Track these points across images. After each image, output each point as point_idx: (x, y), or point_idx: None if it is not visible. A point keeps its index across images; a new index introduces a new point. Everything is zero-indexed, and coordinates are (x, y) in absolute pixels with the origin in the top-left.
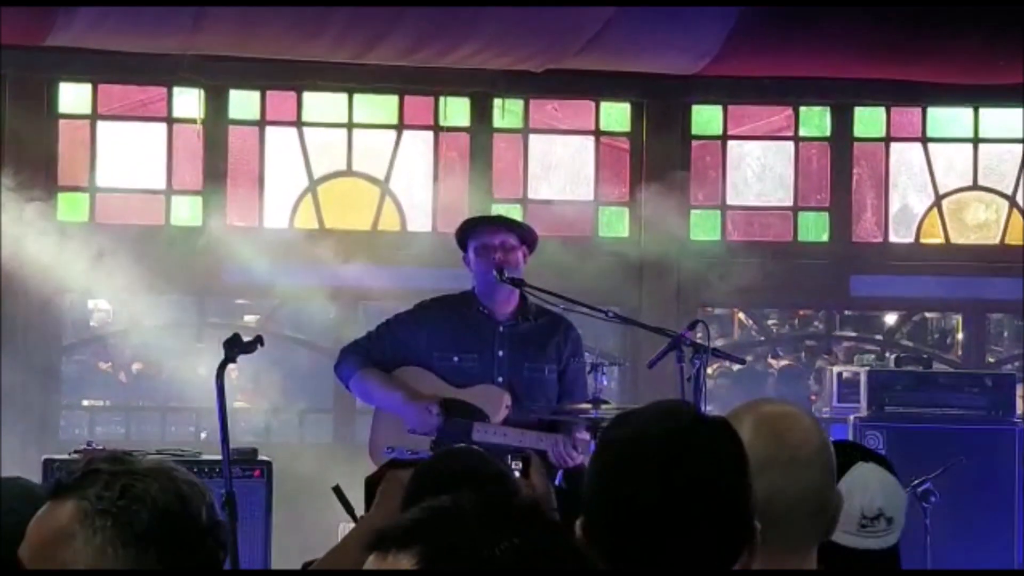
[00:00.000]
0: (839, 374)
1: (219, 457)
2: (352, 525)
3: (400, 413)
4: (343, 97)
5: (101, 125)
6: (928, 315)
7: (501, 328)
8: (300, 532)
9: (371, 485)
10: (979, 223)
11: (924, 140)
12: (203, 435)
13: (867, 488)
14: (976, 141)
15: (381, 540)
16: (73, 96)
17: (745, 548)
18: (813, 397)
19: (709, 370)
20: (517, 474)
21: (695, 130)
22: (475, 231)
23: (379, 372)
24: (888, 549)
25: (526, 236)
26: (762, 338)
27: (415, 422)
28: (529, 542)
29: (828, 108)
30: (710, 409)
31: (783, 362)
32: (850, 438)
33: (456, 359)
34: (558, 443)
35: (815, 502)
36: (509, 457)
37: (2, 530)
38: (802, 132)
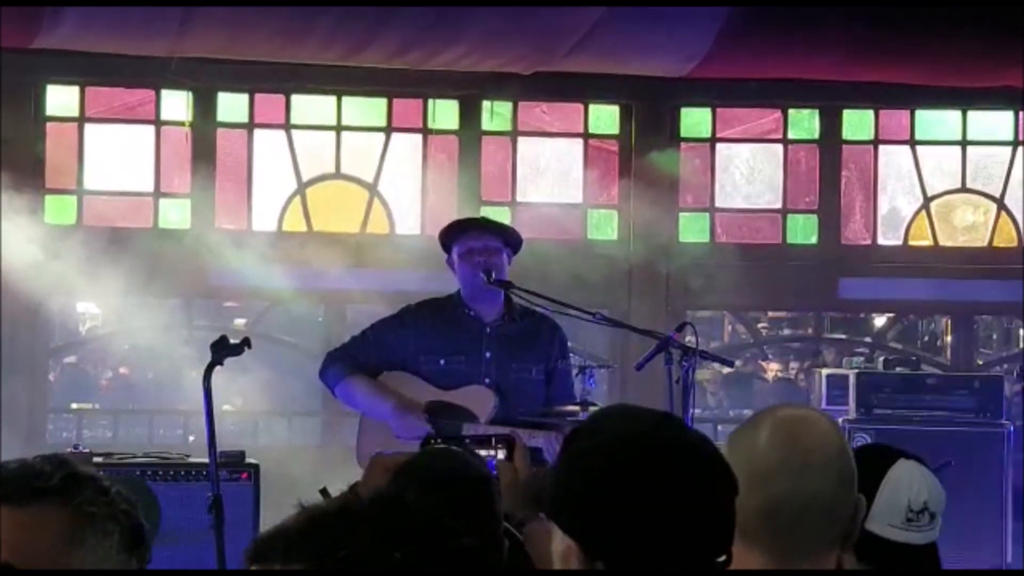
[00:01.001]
0: (828, 376)
1: (207, 460)
2: None
3: (387, 421)
4: (332, 100)
5: (89, 128)
6: (917, 317)
7: (488, 329)
8: None
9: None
10: (967, 225)
11: (912, 143)
12: (191, 438)
13: (912, 483)
14: (964, 144)
15: (260, 554)
16: (61, 99)
17: (727, 549)
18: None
19: (706, 373)
20: (502, 455)
21: (684, 132)
22: (459, 235)
23: (365, 378)
24: (928, 545)
25: (510, 238)
26: (751, 340)
27: (402, 430)
28: (427, 549)
29: (817, 110)
30: (699, 412)
31: (773, 365)
32: None
33: (442, 362)
34: (551, 440)
35: (826, 508)
36: (494, 440)
37: None
38: (791, 135)
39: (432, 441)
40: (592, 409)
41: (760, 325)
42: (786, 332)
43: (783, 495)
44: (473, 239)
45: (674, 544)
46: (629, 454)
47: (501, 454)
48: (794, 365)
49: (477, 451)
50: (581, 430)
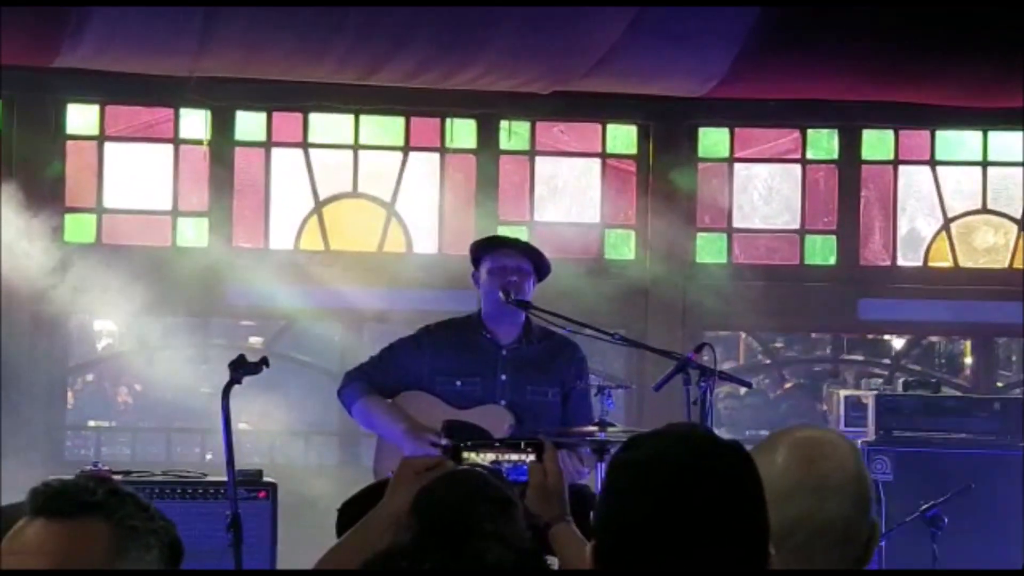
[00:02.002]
0: (847, 398)
1: (224, 478)
2: None
3: (400, 445)
4: (349, 118)
5: (108, 146)
6: (936, 339)
7: (504, 352)
8: (305, 554)
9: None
10: (988, 247)
11: (933, 163)
12: (208, 456)
13: None
14: (985, 164)
15: None
16: (81, 117)
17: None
18: None
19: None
20: (532, 458)
21: (702, 152)
22: (494, 250)
23: (382, 400)
24: None
25: (540, 265)
26: (768, 362)
27: (416, 454)
28: None
29: (836, 130)
30: (719, 432)
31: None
32: None
33: (458, 383)
34: (565, 457)
35: (840, 532)
36: (523, 444)
37: None
38: (809, 155)
39: (462, 447)
40: (610, 430)
41: (777, 345)
42: (804, 353)
43: (799, 517)
44: (507, 257)
45: (701, 553)
46: (654, 470)
47: (531, 458)
48: (812, 387)
49: (508, 455)
50: (633, 441)
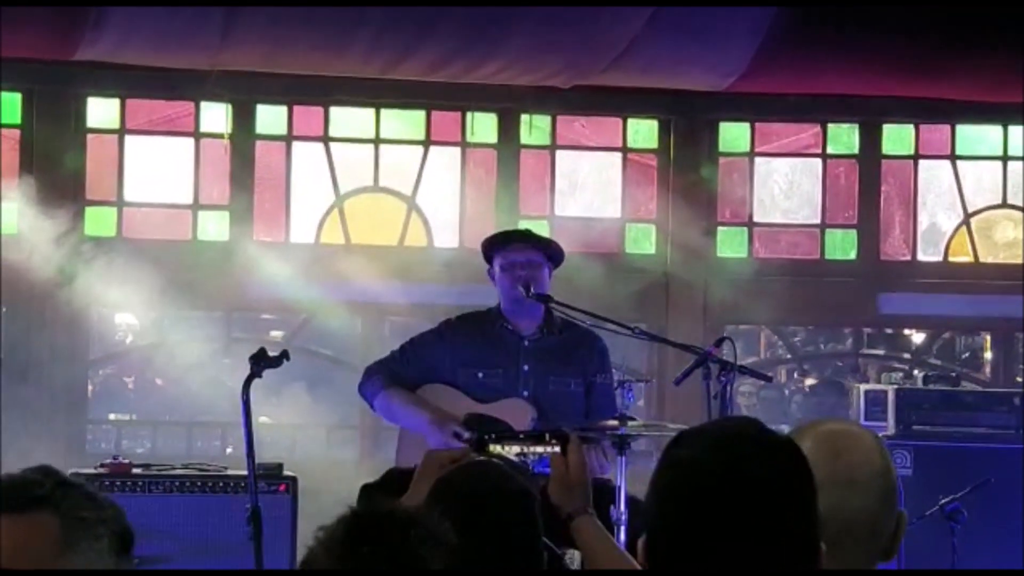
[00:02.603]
0: (866, 392)
1: (245, 472)
2: None
3: (425, 435)
4: (370, 112)
5: (129, 140)
6: (956, 333)
7: (526, 343)
8: None
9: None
10: (1008, 241)
11: (953, 158)
12: (229, 450)
13: None
14: (1005, 159)
15: None
16: (101, 111)
17: (809, 569)
18: None
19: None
20: (556, 450)
21: (722, 147)
22: (502, 247)
23: (404, 392)
24: None
25: (552, 253)
26: (789, 356)
27: (439, 443)
28: None
29: (856, 125)
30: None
31: (810, 381)
32: None
33: (480, 375)
34: (590, 452)
35: (868, 525)
36: (548, 436)
37: None
38: (830, 149)
39: (487, 439)
40: (631, 424)
41: (797, 340)
42: (824, 348)
43: (828, 511)
44: (516, 252)
45: (748, 552)
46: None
47: (556, 450)
48: (832, 381)
49: (534, 447)
50: (683, 436)
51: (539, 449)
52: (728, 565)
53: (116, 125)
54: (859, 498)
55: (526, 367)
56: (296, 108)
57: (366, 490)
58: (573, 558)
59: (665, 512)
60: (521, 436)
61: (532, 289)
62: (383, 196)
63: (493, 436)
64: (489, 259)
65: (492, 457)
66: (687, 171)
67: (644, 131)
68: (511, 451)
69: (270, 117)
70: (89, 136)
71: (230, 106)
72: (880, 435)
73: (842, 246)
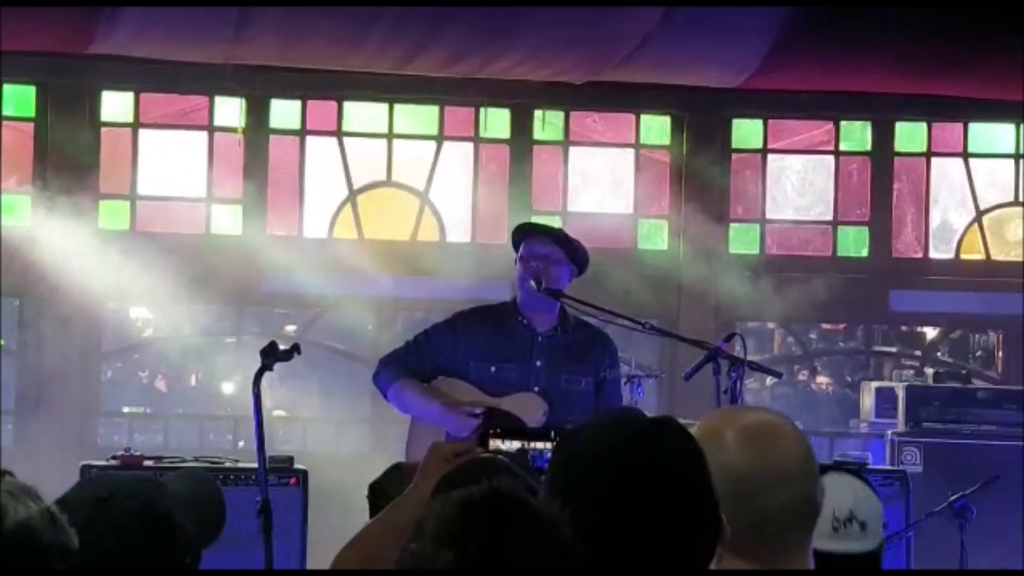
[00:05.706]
0: (877, 389)
1: (255, 465)
2: None
3: (439, 422)
4: (384, 107)
5: (143, 133)
6: (968, 331)
7: (540, 338)
8: (335, 541)
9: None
10: (1020, 239)
11: (965, 155)
12: (240, 443)
13: (835, 493)
14: (1018, 157)
15: None
16: (116, 104)
17: (718, 544)
18: None
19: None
20: None
21: (735, 144)
22: (527, 237)
23: (417, 382)
24: (867, 554)
25: (576, 256)
26: (800, 353)
27: (455, 429)
28: None
29: (869, 122)
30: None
31: (822, 378)
32: (887, 453)
33: (493, 369)
34: None
35: (805, 509)
36: (552, 433)
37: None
38: (843, 146)
39: (491, 433)
40: None
41: (809, 336)
42: (836, 344)
43: (769, 509)
44: (537, 244)
45: (649, 547)
46: (605, 461)
47: None
48: (844, 377)
49: (535, 443)
50: (569, 434)
51: (540, 445)
52: (632, 551)
53: (130, 119)
54: (795, 488)
55: (539, 363)
56: (310, 103)
57: (373, 489)
58: None
59: (570, 506)
60: (523, 432)
61: (544, 283)
62: (396, 191)
63: (495, 431)
64: (516, 247)
65: (495, 453)
66: (700, 167)
67: (657, 127)
68: (512, 446)
69: (284, 112)
70: (103, 130)
71: (244, 100)
72: (890, 432)
73: (854, 243)
